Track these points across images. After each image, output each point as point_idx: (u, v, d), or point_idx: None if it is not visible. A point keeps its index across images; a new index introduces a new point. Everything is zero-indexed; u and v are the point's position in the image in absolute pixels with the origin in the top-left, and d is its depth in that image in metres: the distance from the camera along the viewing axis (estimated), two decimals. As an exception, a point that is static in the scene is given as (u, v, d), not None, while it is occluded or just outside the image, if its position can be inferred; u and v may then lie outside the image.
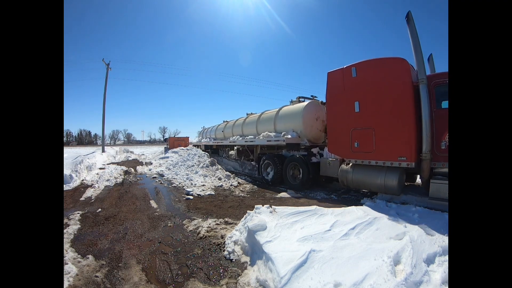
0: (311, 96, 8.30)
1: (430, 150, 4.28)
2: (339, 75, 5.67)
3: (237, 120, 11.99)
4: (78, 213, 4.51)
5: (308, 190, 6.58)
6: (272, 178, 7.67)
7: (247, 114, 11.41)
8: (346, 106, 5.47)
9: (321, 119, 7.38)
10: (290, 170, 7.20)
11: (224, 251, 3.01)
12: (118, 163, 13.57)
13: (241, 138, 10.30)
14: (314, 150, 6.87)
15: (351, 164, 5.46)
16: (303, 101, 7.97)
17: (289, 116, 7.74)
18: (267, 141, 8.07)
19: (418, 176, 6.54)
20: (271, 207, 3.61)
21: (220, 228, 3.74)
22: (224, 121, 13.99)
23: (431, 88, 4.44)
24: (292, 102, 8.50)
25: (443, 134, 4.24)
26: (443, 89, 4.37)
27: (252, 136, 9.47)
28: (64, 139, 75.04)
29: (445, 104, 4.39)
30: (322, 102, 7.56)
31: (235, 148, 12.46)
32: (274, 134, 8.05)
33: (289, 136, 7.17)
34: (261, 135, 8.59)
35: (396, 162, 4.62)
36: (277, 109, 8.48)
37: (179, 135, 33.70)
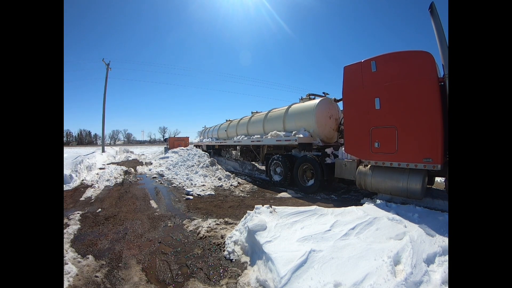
0: (323, 93, 7.88)
1: None
2: (357, 70, 5.22)
3: (241, 118, 11.48)
4: (78, 213, 4.51)
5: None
6: (281, 180, 7.37)
7: (252, 112, 10.98)
8: (365, 103, 5.03)
9: (334, 117, 7.11)
10: (301, 172, 6.79)
11: (224, 251, 3.01)
12: (118, 163, 13.57)
13: (246, 138, 9.83)
14: (328, 150, 6.46)
15: (369, 165, 5.10)
16: (314, 99, 7.63)
17: (301, 114, 7.30)
18: (277, 140, 7.61)
19: (437, 178, 6.26)
20: (271, 207, 3.61)
21: (220, 228, 3.74)
22: (227, 120, 13.53)
23: None
24: (302, 100, 8.12)
25: None
26: None
27: (258, 136, 9.02)
28: (64, 139, 75.02)
29: None
30: (334, 99, 7.29)
31: (238, 148, 12.09)
32: (284, 133, 7.62)
33: (301, 136, 6.76)
34: (269, 134, 8.16)
35: (421, 164, 4.24)
36: (286, 107, 8.06)
37: (179, 135, 33.83)
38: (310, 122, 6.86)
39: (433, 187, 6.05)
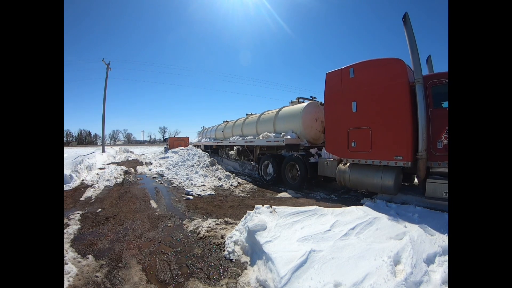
0: (311, 97, 8.38)
1: (426, 150, 4.29)
2: (337, 76, 5.74)
3: (237, 120, 12.02)
4: (78, 213, 4.51)
5: (308, 190, 6.58)
6: (271, 178, 7.79)
7: (247, 114, 11.39)
8: (343, 106, 5.52)
9: (320, 119, 7.44)
10: (288, 170, 7.27)
11: (224, 251, 3.01)
12: (118, 163, 13.56)
13: (241, 139, 10.34)
14: (313, 150, 6.94)
15: (348, 164, 5.51)
16: (303, 102, 8.05)
17: (289, 117, 7.81)
18: (267, 141, 8.13)
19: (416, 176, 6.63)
20: (271, 207, 3.61)
21: (220, 228, 3.74)
22: (224, 121, 14.00)
23: (428, 88, 4.46)
24: (291, 103, 8.58)
25: (440, 133, 4.27)
26: (440, 89, 4.39)
27: (252, 137, 9.52)
28: (64, 139, 74.96)
29: (441, 104, 4.42)
30: (321, 103, 7.59)
31: (235, 148, 12.47)
32: (274, 134, 8.13)
33: (289, 137, 7.25)
34: (261, 135, 8.66)
35: (392, 161, 4.64)
36: (277, 110, 8.55)
37: (179, 135, 33.80)
38: (297, 125, 7.31)
39: (413, 184, 6.34)
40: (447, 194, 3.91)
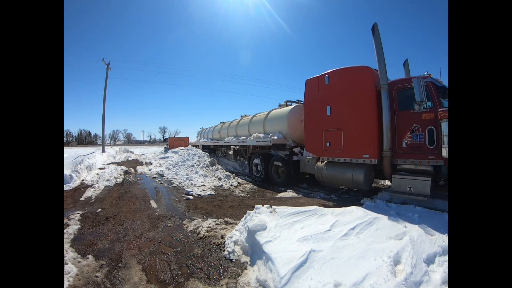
0: (297, 100, 8.95)
1: (390, 148, 4.72)
2: (314, 82, 6.29)
3: (232, 121, 12.63)
4: (78, 213, 4.51)
5: (308, 190, 6.61)
6: (260, 175, 8.36)
7: (241, 116, 12.00)
8: (320, 110, 6.08)
9: None
10: (275, 168, 7.88)
11: (224, 251, 3.01)
12: (118, 163, 13.55)
13: (235, 139, 10.89)
14: (296, 150, 7.52)
15: (325, 161, 6.05)
16: (290, 105, 8.55)
17: (276, 118, 8.39)
18: (256, 141, 8.74)
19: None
20: (271, 207, 3.61)
21: (220, 228, 3.74)
22: (220, 122, 14.46)
23: (394, 92, 4.86)
24: (280, 106, 9.17)
25: (405, 133, 4.65)
26: (405, 93, 4.72)
27: (244, 137, 10.14)
28: (64, 139, 74.91)
29: (410, 106, 4.52)
30: None
31: (232, 148, 12.94)
32: (263, 135, 8.71)
33: (275, 137, 7.82)
34: (252, 136, 9.27)
35: (361, 159, 5.16)
36: (267, 112, 9.20)
37: (179, 135, 33.79)
38: (284, 126, 7.88)
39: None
40: (411, 189, 4.32)
